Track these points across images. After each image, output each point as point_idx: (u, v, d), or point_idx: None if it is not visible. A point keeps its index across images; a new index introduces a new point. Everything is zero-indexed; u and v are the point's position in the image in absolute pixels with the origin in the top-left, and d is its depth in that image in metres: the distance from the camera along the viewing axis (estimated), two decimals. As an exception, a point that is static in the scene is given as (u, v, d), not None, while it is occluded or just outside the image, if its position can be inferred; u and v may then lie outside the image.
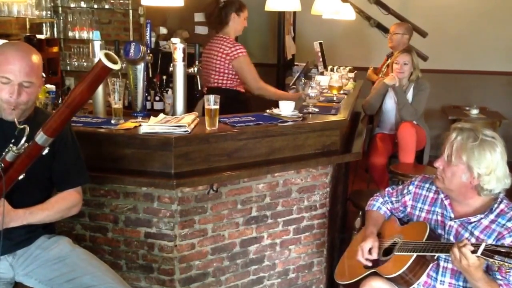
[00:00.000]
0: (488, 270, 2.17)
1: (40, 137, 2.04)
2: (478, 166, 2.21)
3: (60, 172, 2.35)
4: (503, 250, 1.97)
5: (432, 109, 6.28)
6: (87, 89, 2.03)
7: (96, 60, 2.83)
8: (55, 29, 5.98)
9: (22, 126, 2.06)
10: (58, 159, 2.32)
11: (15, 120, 2.10)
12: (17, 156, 2.06)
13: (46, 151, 2.09)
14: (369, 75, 5.86)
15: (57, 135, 2.08)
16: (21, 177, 2.10)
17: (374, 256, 2.48)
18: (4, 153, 2.05)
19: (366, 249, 2.48)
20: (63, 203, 2.33)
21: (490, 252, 1.99)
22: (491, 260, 1.98)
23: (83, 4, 5.84)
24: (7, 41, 3.49)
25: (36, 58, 2.21)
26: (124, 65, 3.04)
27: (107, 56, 2.00)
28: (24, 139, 2.05)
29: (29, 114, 2.26)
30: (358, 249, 2.52)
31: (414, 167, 4.45)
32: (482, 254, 2.00)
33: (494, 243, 2.17)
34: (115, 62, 2.01)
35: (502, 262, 1.95)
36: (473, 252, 2.03)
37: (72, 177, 2.38)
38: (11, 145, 2.05)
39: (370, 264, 2.48)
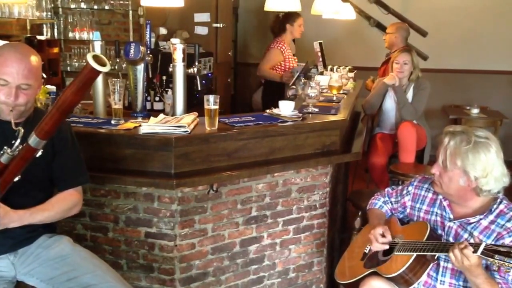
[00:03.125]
0: (487, 270, 2.17)
1: (33, 140, 2.05)
2: (474, 170, 2.20)
3: (60, 172, 2.35)
4: (502, 250, 1.97)
5: (432, 108, 6.28)
6: (77, 92, 2.03)
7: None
8: (56, 30, 5.99)
9: (16, 128, 2.06)
10: (58, 159, 2.33)
11: (12, 121, 2.10)
12: (11, 158, 2.07)
13: (40, 153, 2.10)
14: (366, 84, 5.86)
15: (50, 137, 2.08)
16: (16, 179, 2.11)
17: (389, 238, 2.46)
18: None
19: (378, 234, 2.47)
20: (64, 203, 2.34)
21: (490, 251, 1.99)
22: (491, 259, 1.98)
23: (83, 5, 5.85)
24: (7, 42, 3.49)
25: (34, 60, 2.20)
26: (124, 65, 3.05)
27: (96, 58, 1.99)
28: (18, 141, 2.06)
29: (28, 115, 2.27)
30: (370, 238, 2.51)
31: (414, 167, 4.45)
32: (481, 253, 2.01)
33: (493, 243, 2.17)
34: (103, 65, 2.00)
35: (502, 262, 1.95)
36: (473, 252, 2.03)
37: (72, 177, 2.38)
38: (5, 147, 2.06)
39: (387, 247, 2.47)
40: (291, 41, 5.91)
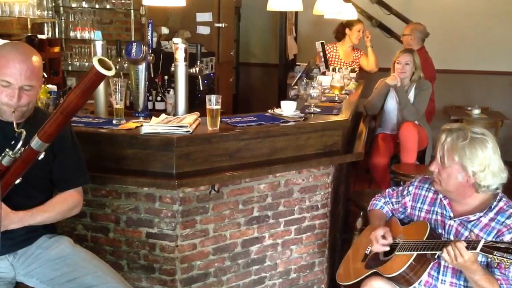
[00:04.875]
0: (488, 268, 2.19)
1: (36, 143, 2.04)
2: (472, 164, 2.22)
3: (61, 172, 2.34)
4: (502, 246, 1.99)
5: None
6: (81, 96, 2.02)
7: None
8: (57, 29, 5.98)
9: (19, 131, 2.05)
10: (58, 159, 2.31)
11: (14, 123, 2.09)
12: (13, 161, 2.06)
13: (42, 155, 2.08)
14: None
15: (53, 140, 2.07)
16: (17, 181, 2.10)
17: (390, 240, 2.47)
18: (0, 157, 2.05)
19: (379, 236, 2.48)
20: (64, 204, 2.33)
21: (489, 248, 2.01)
22: (490, 256, 2.00)
23: (84, 4, 5.84)
24: (7, 41, 3.48)
25: (36, 60, 2.18)
26: (126, 65, 3.04)
27: (101, 62, 1.97)
28: (20, 143, 2.04)
29: (29, 115, 2.25)
30: (371, 239, 2.51)
31: (415, 168, 4.45)
32: (481, 250, 2.02)
33: (493, 239, 2.18)
34: (109, 68, 1.99)
35: (501, 258, 1.97)
36: (472, 248, 2.05)
37: (72, 178, 2.38)
38: (7, 149, 2.05)
39: (388, 249, 2.47)
40: (349, 47, 6.18)
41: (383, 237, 2.48)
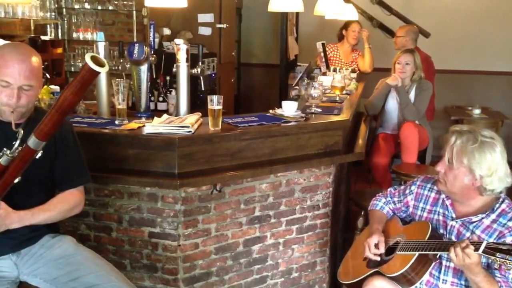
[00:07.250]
0: (488, 269, 2.19)
1: (32, 141, 2.05)
2: (480, 168, 2.22)
3: (62, 172, 2.35)
4: (504, 248, 1.99)
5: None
6: (76, 93, 2.02)
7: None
8: (59, 30, 6.00)
9: (16, 130, 2.06)
10: (59, 159, 2.33)
11: (12, 122, 2.10)
12: (11, 160, 2.07)
13: (39, 154, 2.09)
14: None
15: (49, 138, 2.08)
16: (16, 180, 2.10)
17: (382, 250, 2.48)
18: None
19: (372, 244, 2.49)
20: (65, 204, 2.33)
21: (491, 250, 2.01)
22: (492, 258, 2.00)
23: (87, 6, 5.86)
24: (8, 42, 3.49)
25: (36, 60, 2.19)
26: (128, 66, 3.06)
27: (94, 59, 1.98)
28: (18, 142, 2.05)
29: (29, 115, 2.26)
30: (364, 245, 2.53)
31: (416, 167, 4.46)
32: (483, 252, 2.03)
33: (495, 241, 2.19)
34: (102, 65, 1.99)
35: (503, 260, 1.97)
36: (475, 250, 2.05)
37: (74, 177, 2.38)
38: (4, 149, 2.06)
39: (378, 258, 2.48)
40: (348, 47, 6.26)
41: (376, 245, 2.49)
